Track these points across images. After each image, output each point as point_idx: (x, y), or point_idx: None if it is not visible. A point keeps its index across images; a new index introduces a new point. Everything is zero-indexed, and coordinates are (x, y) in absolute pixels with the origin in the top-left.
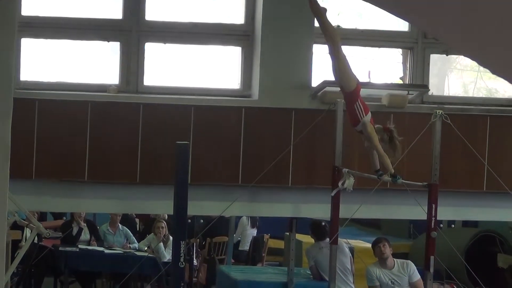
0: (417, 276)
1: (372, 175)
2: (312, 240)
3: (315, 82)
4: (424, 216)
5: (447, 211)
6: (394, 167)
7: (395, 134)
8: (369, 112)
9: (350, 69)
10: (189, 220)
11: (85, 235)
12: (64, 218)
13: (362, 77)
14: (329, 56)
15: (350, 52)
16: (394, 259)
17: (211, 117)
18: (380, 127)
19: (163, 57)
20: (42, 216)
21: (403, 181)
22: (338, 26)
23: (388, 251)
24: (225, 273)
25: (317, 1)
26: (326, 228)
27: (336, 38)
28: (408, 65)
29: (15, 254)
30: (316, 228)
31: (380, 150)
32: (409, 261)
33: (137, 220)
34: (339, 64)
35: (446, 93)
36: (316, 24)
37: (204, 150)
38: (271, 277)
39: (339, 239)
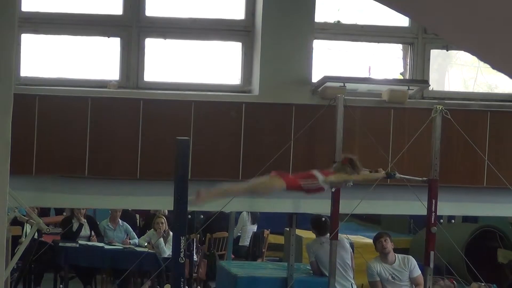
0: (417, 272)
1: (371, 170)
2: (312, 236)
3: (316, 77)
4: (424, 212)
5: (447, 206)
6: (393, 164)
7: (354, 159)
8: (314, 172)
9: (262, 182)
10: (189, 216)
11: (85, 230)
12: (64, 213)
13: (362, 73)
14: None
15: (350, 47)
16: (395, 254)
17: (211, 113)
18: (339, 163)
19: (163, 52)
20: (45, 212)
21: (403, 176)
22: (338, 21)
23: (389, 245)
24: (225, 268)
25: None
26: (327, 223)
27: (241, 189)
28: (408, 61)
29: (15, 250)
30: (317, 223)
31: (356, 178)
32: (410, 256)
33: (137, 215)
34: (260, 192)
35: (446, 89)
36: (317, 19)
37: (204, 145)
38: (271, 273)
39: (339, 234)
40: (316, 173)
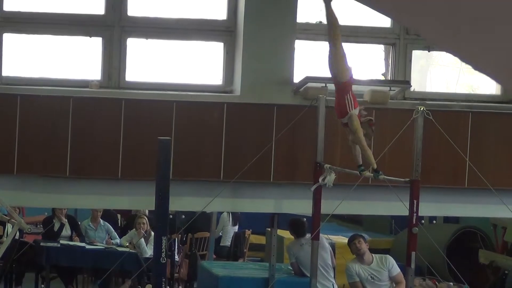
0: (396, 270)
1: (353, 171)
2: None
3: (297, 77)
4: (405, 212)
5: (428, 207)
6: (376, 163)
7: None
8: (358, 107)
9: (346, 60)
10: (171, 216)
11: (66, 230)
12: (46, 213)
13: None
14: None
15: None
16: (372, 254)
17: (193, 113)
18: (366, 121)
19: (145, 52)
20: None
21: (385, 177)
22: (320, 22)
23: (364, 246)
24: (206, 268)
25: None
26: (305, 224)
27: (337, 26)
28: (390, 61)
29: None
30: (295, 226)
31: (364, 145)
32: (388, 256)
33: (118, 215)
34: (336, 51)
35: (428, 89)
36: (299, 20)
37: (186, 145)
38: (252, 273)
39: (320, 234)
40: (359, 107)
